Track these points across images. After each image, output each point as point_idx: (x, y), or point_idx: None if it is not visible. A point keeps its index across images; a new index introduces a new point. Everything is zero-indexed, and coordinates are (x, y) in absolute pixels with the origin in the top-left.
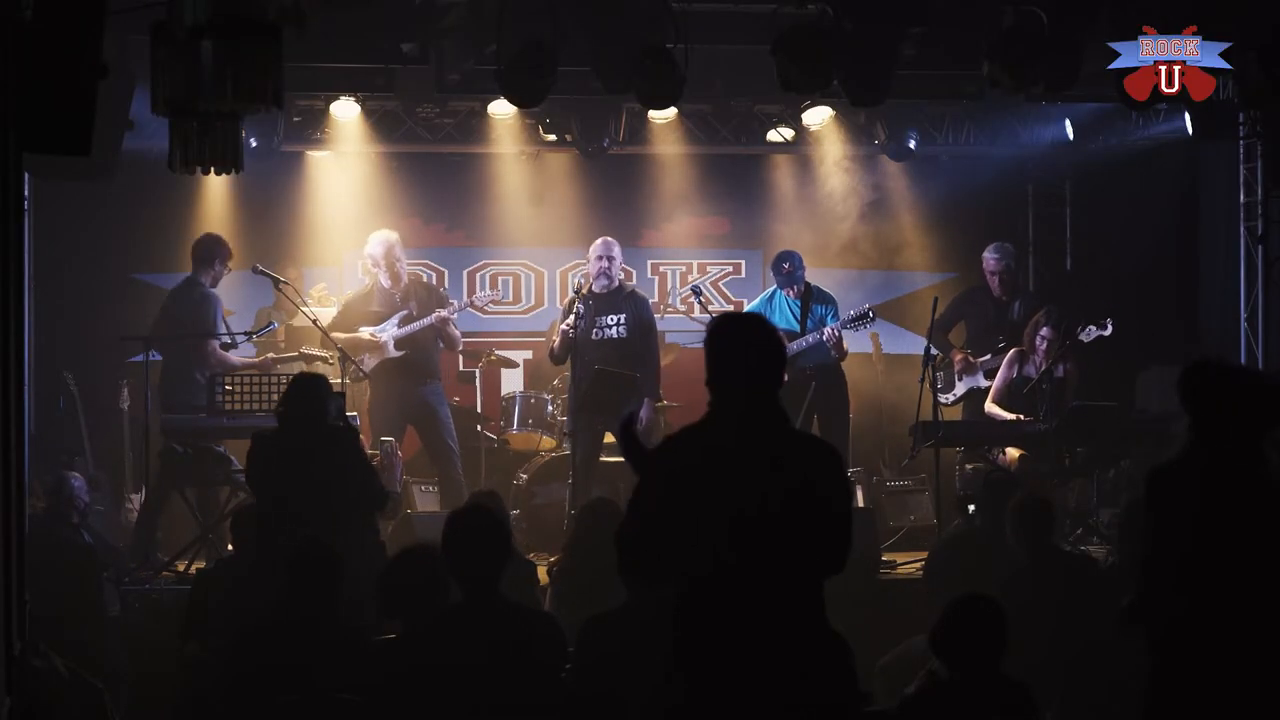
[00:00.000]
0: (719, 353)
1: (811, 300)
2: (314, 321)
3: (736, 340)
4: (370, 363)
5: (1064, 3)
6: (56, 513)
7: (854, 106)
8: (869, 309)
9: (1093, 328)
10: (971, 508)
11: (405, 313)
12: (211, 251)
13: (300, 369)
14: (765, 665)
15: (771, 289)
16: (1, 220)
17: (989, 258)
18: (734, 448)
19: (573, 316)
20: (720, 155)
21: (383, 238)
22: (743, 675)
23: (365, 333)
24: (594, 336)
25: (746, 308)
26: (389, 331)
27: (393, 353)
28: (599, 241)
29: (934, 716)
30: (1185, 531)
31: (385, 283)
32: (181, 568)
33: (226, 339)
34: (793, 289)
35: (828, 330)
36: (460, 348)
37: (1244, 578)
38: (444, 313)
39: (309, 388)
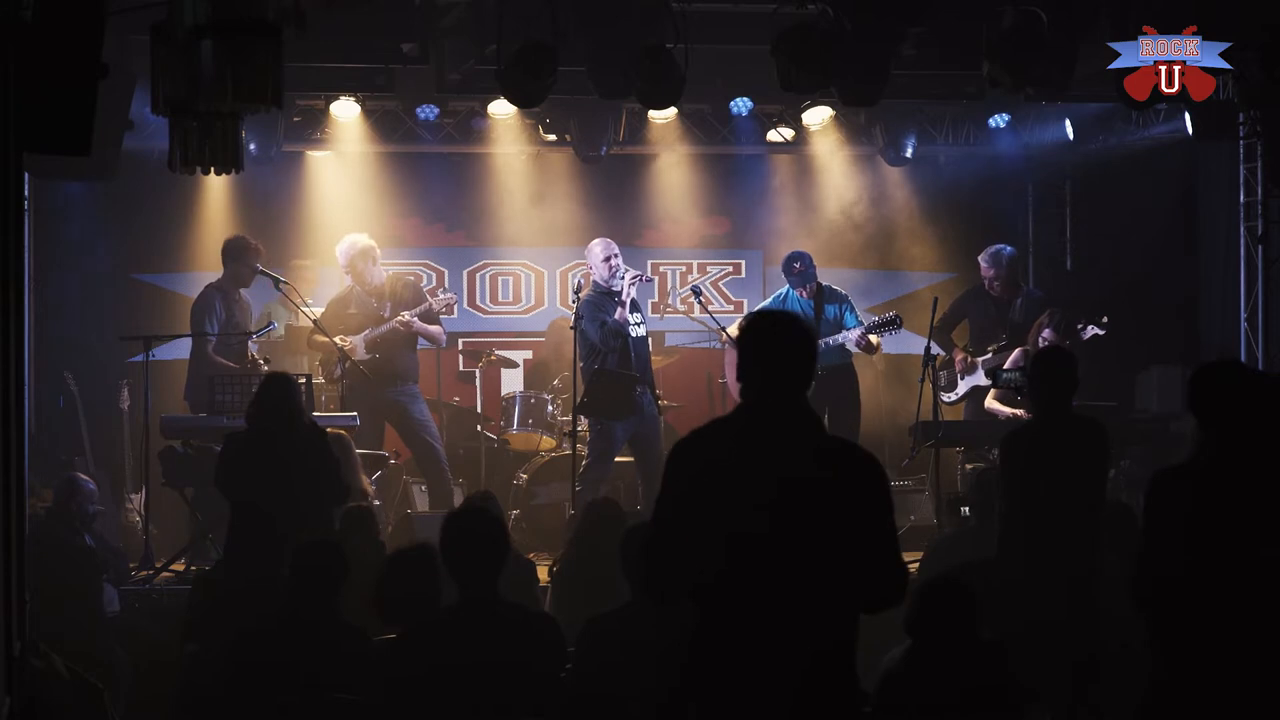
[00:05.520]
0: (750, 350)
1: (824, 300)
2: (314, 321)
3: (768, 338)
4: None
5: (1064, 2)
6: (58, 514)
7: (847, 106)
8: (896, 315)
9: (1091, 326)
10: (965, 510)
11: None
12: (232, 252)
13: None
14: (776, 702)
15: (784, 289)
16: (1, 220)
17: (981, 264)
18: (760, 450)
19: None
20: (720, 155)
21: (348, 244)
22: (753, 709)
23: (339, 339)
24: (631, 335)
25: (760, 305)
26: (361, 335)
27: (363, 356)
28: (603, 241)
29: (913, 688)
30: (1195, 534)
31: (358, 287)
32: (181, 568)
33: (234, 338)
34: (805, 288)
35: (856, 334)
36: (444, 343)
37: (1257, 581)
38: (406, 316)
39: (280, 387)
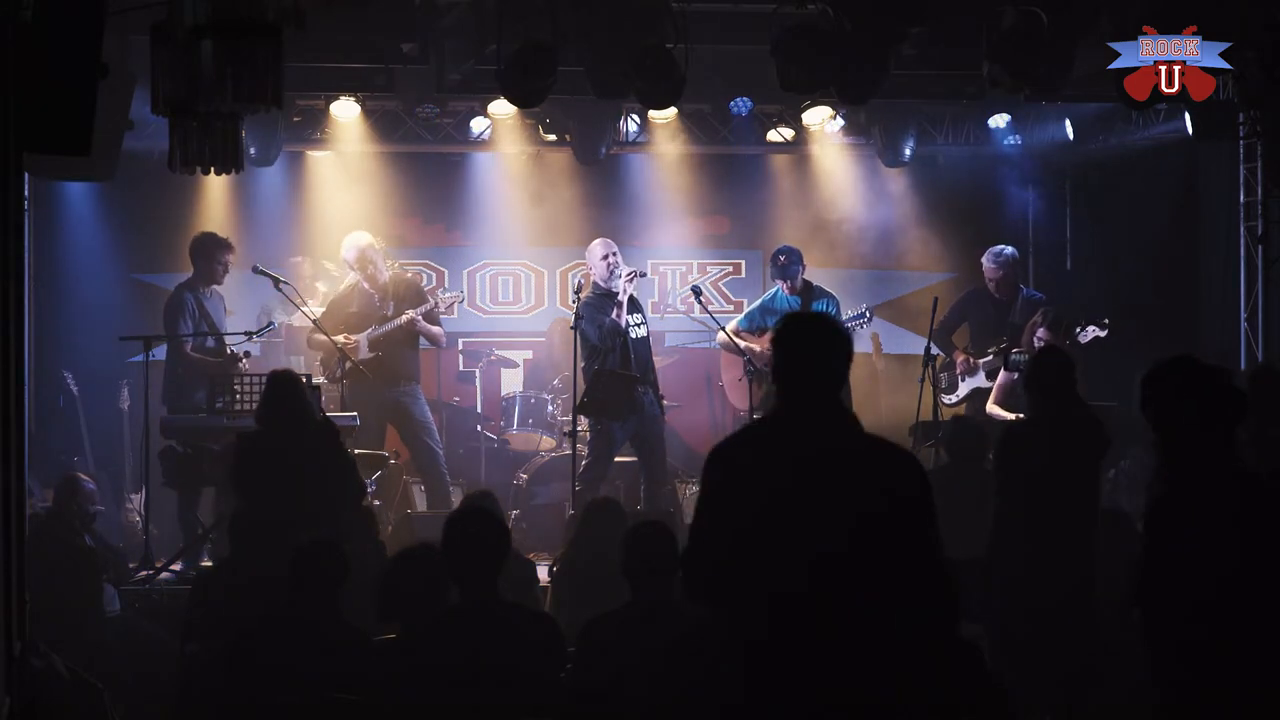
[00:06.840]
0: (787, 352)
1: (812, 298)
2: (314, 321)
3: (806, 339)
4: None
5: (1064, 2)
6: (58, 514)
7: (843, 103)
8: (866, 309)
9: (1092, 328)
10: None
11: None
12: (199, 250)
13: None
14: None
15: (774, 288)
16: (1, 220)
17: (985, 264)
18: (806, 452)
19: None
20: (720, 155)
21: (355, 241)
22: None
23: (340, 338)
24: (630, 335)
25: (750, 306)
26: (365, 333)
27: (365, 354)
28: (602, 241)
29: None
30: (1194, 553)
31: (364, 284)
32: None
33: (218, 340)
34: (788, 283)
35: None
36: (444, 343)
37: (1254, 585)
38: (412, 313)
39: (288, 386)
